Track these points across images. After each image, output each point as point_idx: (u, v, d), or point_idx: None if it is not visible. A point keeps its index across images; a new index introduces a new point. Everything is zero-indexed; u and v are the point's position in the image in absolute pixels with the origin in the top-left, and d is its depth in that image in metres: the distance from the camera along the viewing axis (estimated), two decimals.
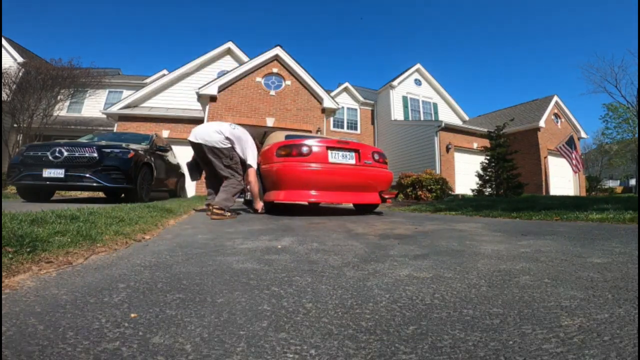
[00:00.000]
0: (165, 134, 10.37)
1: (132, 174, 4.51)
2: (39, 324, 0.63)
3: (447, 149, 11.25)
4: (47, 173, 4.17)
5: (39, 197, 4.72)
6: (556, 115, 13.77)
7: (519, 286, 0.89)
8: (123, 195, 4.86)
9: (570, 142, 12.21)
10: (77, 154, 4.30)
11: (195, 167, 3.98)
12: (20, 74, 11.01)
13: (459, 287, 0.90)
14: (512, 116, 12.84)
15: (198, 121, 9.86)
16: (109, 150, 4.44)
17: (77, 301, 0.77)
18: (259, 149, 3.84)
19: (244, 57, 11.98)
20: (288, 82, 10.12)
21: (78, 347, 0.54)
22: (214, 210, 3.05)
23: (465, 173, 11.32)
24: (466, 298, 0.80)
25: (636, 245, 1.43)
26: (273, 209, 3.78)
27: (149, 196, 5.16)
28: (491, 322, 0.65)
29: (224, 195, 3.25)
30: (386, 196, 3.94)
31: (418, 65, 15.64)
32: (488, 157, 8.79)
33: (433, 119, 14.85)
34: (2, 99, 10.15)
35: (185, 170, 6.09)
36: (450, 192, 8.68)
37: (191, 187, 9.59)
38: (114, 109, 10.70)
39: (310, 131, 9.70)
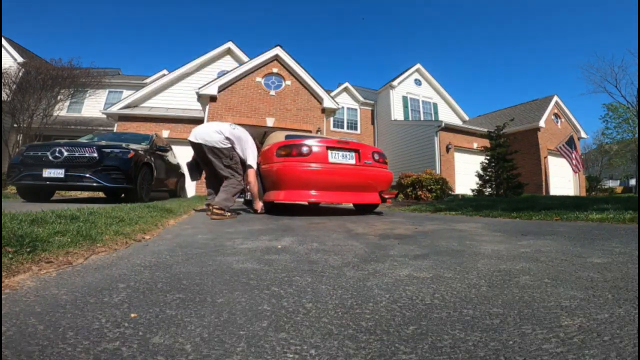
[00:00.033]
0: (165, 134, 10.37)
1: (132, 174, 4.51)
2: (39, 324, 0.63)
3: (447, 149, 11.25)
4: (47, 173, 4.17)
5: (39, 197, 4.72)
6: (556, 115, 13.77)
7: (519, 286, 0.89)
8: (123, 195, 4.86)
9: (570, 142, 12.22)
10: (77, 154, 4.30)
11: (195, 167, 3.98)
12: (20, 74, 11.02)
13: (459, 287, 0.90)
14: (512, 116, 12.85)
15: (198, 121, 9.86)
16: (109, 150, 4.44)
17: (77, 301, 0.77)
18: (259, 149, 3.85)
19: (244, 57, 11.98)
20: (288, 82, 10.13)
21: (78, 347, 0.54)
22: (214, 210, 3.05)
23: (465, 173, 11.33)
24: (466, 298, 0.80)
25: (636, 245, 1.43)
26: (273, 209, 3.78)
27: (149, 196, 5.16)
28: (491, 322, 0.65)
29: (224, 195, 3.25)
30: (386, 196, 3.94)
31: (418, 65, 15.64)
32: (488, 157, 8.79)
33: (433, 119, 14.85)
34: (2, 99, 10.15)
35: (185, 170, 6.09)
36: (450, 192, 8.68)
37: (191, 187, 9.59)
38: (114, 109, 10.70)
39: (310, 131, 9.70)
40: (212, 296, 0.82)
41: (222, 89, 9.54)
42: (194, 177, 4.04)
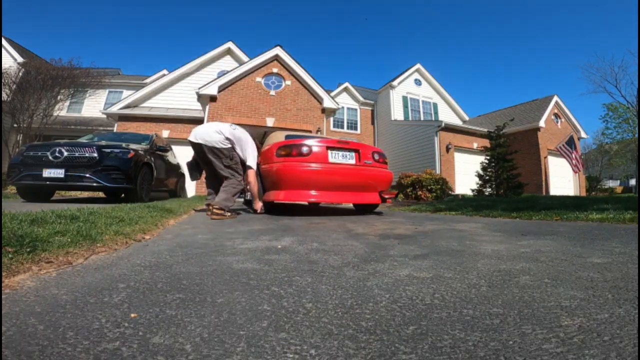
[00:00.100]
0: (165, 134, 10.37)
1: (132, 174, 4.51)
2: (39, 324, 0.63)
3: (447, 149, 11.25)
4: (47, 173, 4.17)
5: (39, 197, 4.72)
6: (556, 115, 13.77)
7: (519, 286, 0.89)
8: (123, 195, 4.86)
9: (570, 142, 12.22)
10: (77, 154, 4.30)
11: (195, 167, 3.98)
12: (20, 74, 11.02)
13: (459, 287, 0.90)
14: (512, 116, 12.85)
15: (198, 121, 9.86)
16: (109, 150, 4.44)
17: (77, 301, 0.77)
18: (259, 149, 3.85)
19: (244, 57, 11.98)
20: (288, 82, 10.13)
21: (78, 347, 0.54)
22: (214, 210, 3.05)
23: (465, 173, 11.33)
24: (466, 298, 0.80)
25: (636, 245, 1.43)
26: (273, 209, 3.78)
27: (149, 196, 5.16)
28: (491, 322, 0.65)
29: (224, 195, 3.25)
30: (386, 196, 3.94)
31: (418, 65, 15.64)
32: (488, 157, 8.79)
33: (433, 119, 14.85)
34: (2, 99, 10.15)
35: (185, 170, 6.09)
36: (450, 192, 8.68)
37: (191, 187, 9.59)
38: (114, 109, 10.70)
39: (310, 131, 9.70)
40: (212, 296, 0.82)
41: (222, 89, 9.54)
42: (194, 177, 4.05)
